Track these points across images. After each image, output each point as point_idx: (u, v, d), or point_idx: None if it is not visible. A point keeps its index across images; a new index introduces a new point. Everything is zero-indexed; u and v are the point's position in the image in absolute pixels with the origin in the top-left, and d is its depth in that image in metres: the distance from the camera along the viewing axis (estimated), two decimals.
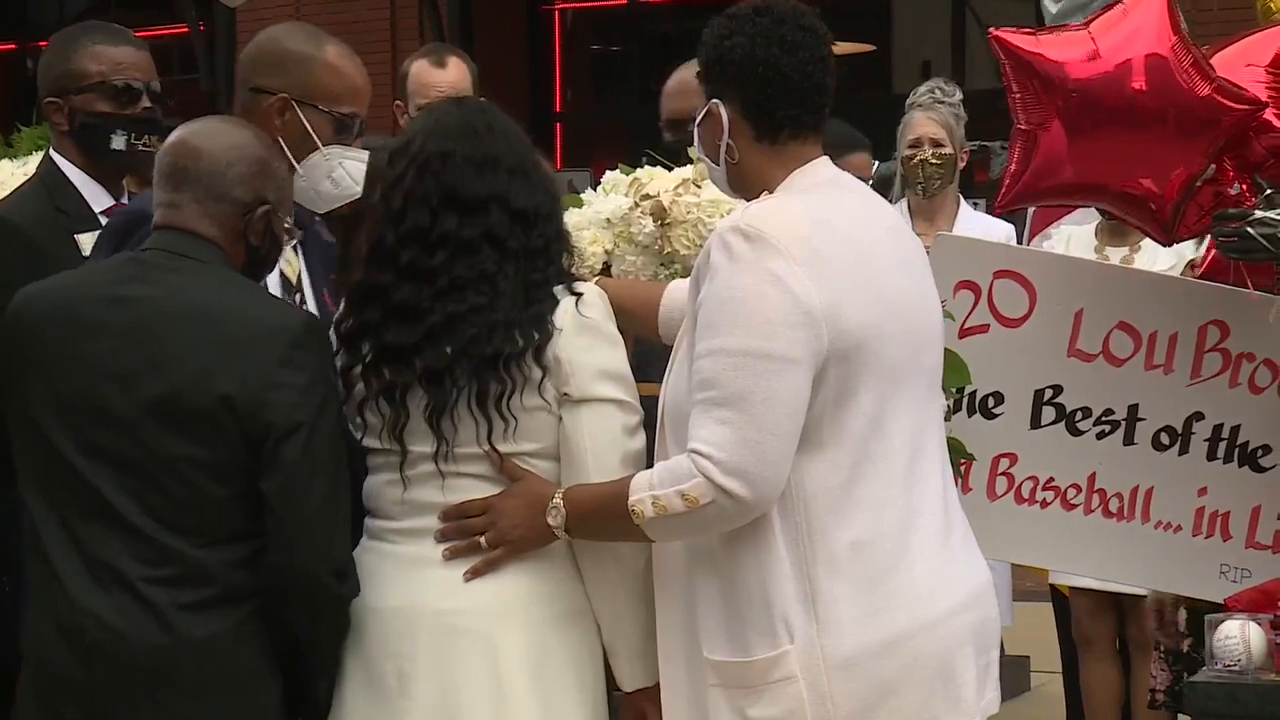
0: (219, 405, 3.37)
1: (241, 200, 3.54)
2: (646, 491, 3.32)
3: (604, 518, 3.41)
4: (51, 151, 4.56)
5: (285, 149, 3.84)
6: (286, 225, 3.64)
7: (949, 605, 3.37)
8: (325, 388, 3.46)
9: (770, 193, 3.45)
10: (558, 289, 3.52)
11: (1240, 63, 4.36)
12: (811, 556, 3.31)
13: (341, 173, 3.93)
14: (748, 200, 3.50)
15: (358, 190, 3.95)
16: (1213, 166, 4.30)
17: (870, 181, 5.71)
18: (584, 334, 3.49)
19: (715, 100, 3.48)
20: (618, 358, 3.54)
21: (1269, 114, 4.27)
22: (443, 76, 5.80)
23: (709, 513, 3.28)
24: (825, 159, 3.51)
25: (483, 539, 3.47)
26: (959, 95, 7.00)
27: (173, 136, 3.62)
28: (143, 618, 3.38)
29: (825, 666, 3.29)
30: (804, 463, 3.30)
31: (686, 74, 4.65)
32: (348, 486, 3.48)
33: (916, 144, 6.77)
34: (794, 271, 3.28)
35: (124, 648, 3.38)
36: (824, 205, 3.41)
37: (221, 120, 3.73)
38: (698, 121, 3.53)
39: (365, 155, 3.97)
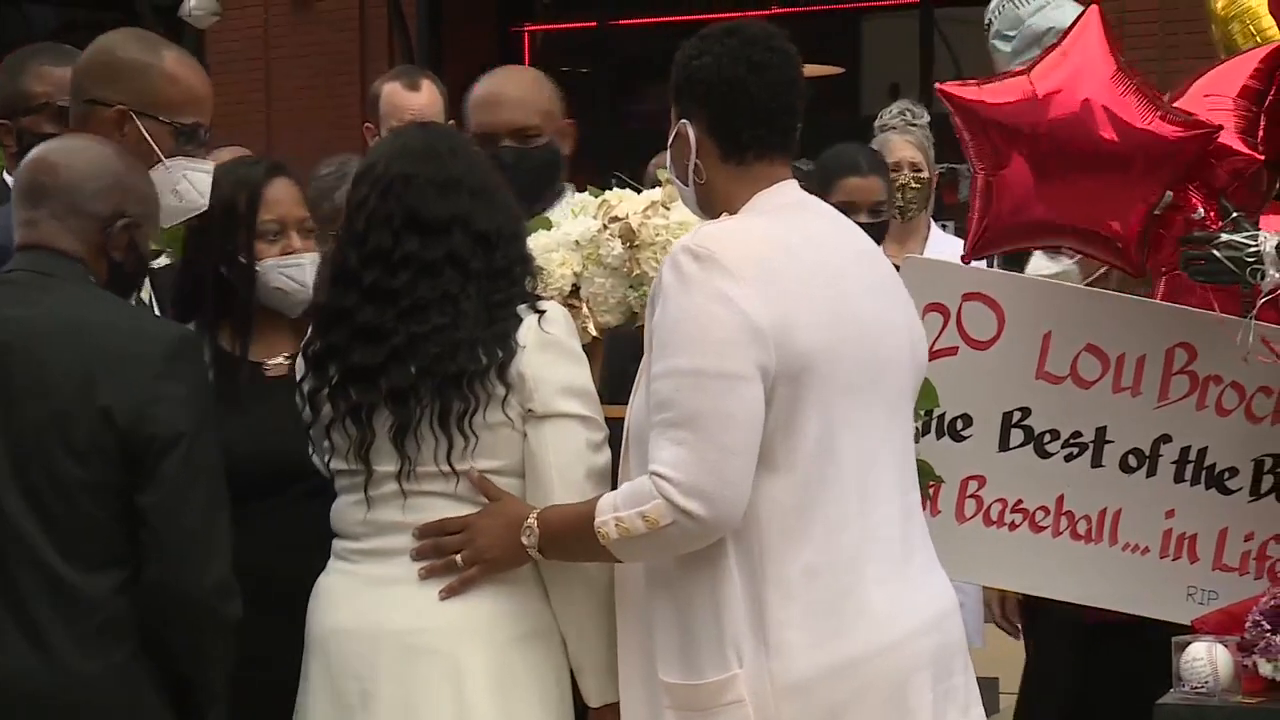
0: (99, 419, 3.31)
1: (100, 214, 3.48)
2: (610, 513, 3.32)
3: (574, 539, 3.40)
4: (5, 174, 4.54)
5: None
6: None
7: (904, 630, 3.36)
8: (204, 401, 3.42)
9: (733, 214, 3.46)
10: (521, 308, 3.53)
11: (1199, 94, 4.39)
12: (763, 580, 3.30)
13: (186, 185, 3.82)
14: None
15: (203, 203, 3.87)
16: (1170, 194, 4.31)
17: (873, 203, 5.70)
18: (547, 350, 3.51)
19: (684, 120, 3.48)
20: (581, 374, 3.55)
21: (1231, 138, 4.29)
22: (415, 100, 5.78)
23: (671, 534, 3.27)
24: (792, 182, 3.51)
25: (459, 557, 3.47)
26: (927, 117, 7.01)
27: (30, 154, 3.56)
28: (29, 650, 3.30)
29: (773, 691, 3.28)
30: (757, 485, 3.30)
31: (493, 83, 4.53)
32: (226, 504, 3.43)
33: (896, 167, 6.74)
34: (742, 291, 3.28)
35: (8, 684, 3.29)
36: (784, 227, 3.41)
37: (81, 136, 3.66)
38: (669, 142, 3.54)
39: (210, 166, 3.90)
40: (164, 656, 3.38)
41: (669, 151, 3.55)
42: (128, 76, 3.81)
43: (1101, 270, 4.98)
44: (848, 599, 3.32)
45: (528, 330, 3.51)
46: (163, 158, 3.78)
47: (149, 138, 3.77)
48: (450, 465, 3.47)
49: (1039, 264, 5.22)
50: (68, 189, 3.46)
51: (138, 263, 3.56)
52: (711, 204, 3.51)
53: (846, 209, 5.30)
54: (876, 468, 3.40)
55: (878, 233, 5.47)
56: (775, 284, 3.31)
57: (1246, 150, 4.29)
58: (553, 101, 4.42)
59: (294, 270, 3.98)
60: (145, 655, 3.35)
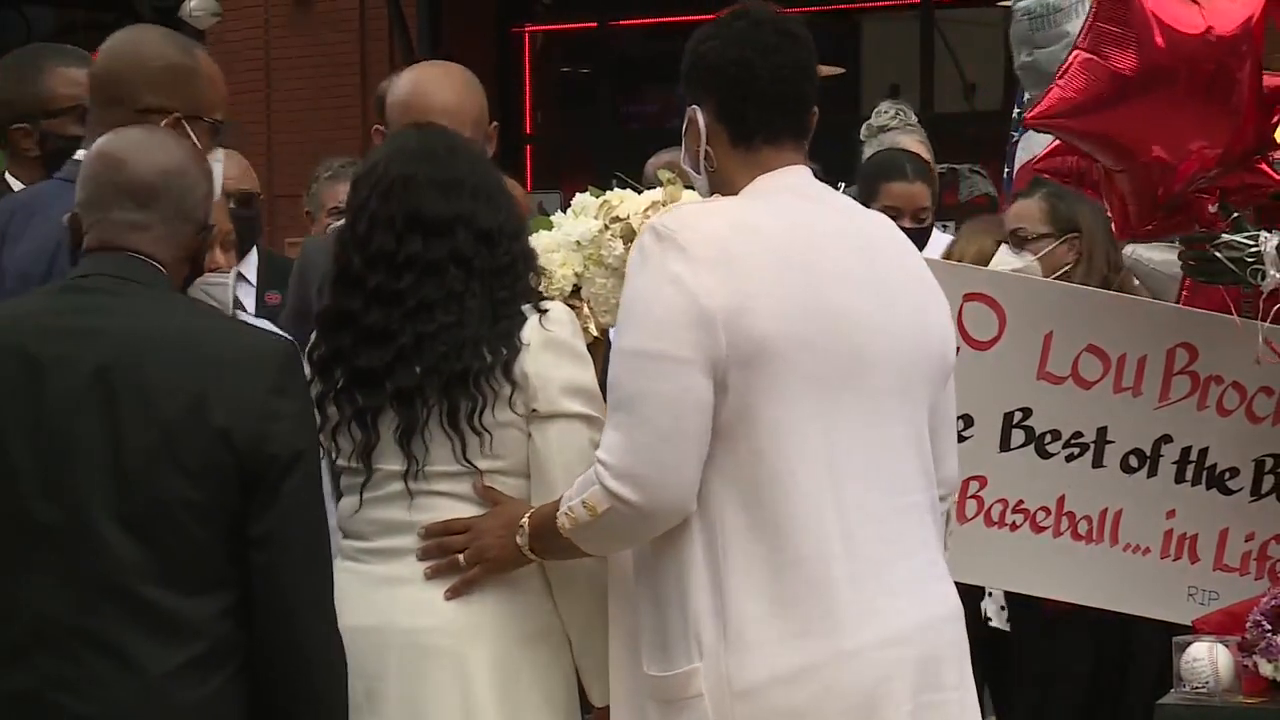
0: (215, 439, 3.11)
1: (199, 221, 3.32)
2: (565, 504, 3.32)
3: (551, 534, 3.38)
4: (7, 175, 4.52)
5: None
6: None
7: (874, 637, 3.24)
8: (313, 415, 3.32)
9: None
10: (525, 307, 3.53)
11: None
12: (727, 573, 3.23)
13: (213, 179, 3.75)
14: None
15: (219, 194, 3.75)
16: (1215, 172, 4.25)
17: (917, 209, 5.68)
18: (551, 350, 3.51)
19: (694, 106, 3.43)
20: (585, 374, 3.55)
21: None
22: None
23: (609, 520, 3.25)
24: (798, 167, 3.42)
25: (461, 557, 3.47)
26: (914, 118, 7.04)
27: (109, 148, 3.30)
28: (124, 680, 3.08)
29: (730, 689, 3.22)
30: (720, 475, 3.23)
31: (423, 87, 4.20)
32: (328, 524, 3.29)
33: None
34: (695, 272, 3.22)
35: (102, 716, 3.07)
36: (766, 211, 3.33)
37: (153, 131, 3.48)
38: (683, 130, 3.48)
39: (223, 155, 3.86)
40: (272, 686, 3.19)
41: (683, 140, 3.49)
42: (181, 83, 3.77)
43: (1066, 267, 5.00)
44: (811, 600, 3.23)
45: (531, 329, 3.51)
46: (205, 159, 3.72)
47: (196, 141, 3.73)
48: (468, 462, 3.47)
49: (1003, 258, 5.19)
50: (180, 193, 3.27)
51: (199, 268, 3.42)
52: (723, 192, 3.44)
53: (890, 214, 5.30)
54: (857, 466, 3.29)
55: (921, 238, 5.44)
56: (734, 267, 3.23)
57: (1267, 169, 4.26)
58: (483, 107, 4.25)
59: (217, 289, 3.92)
60: (245, 684, 3.16)
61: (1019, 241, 5.10)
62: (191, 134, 3.73)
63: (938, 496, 3.46)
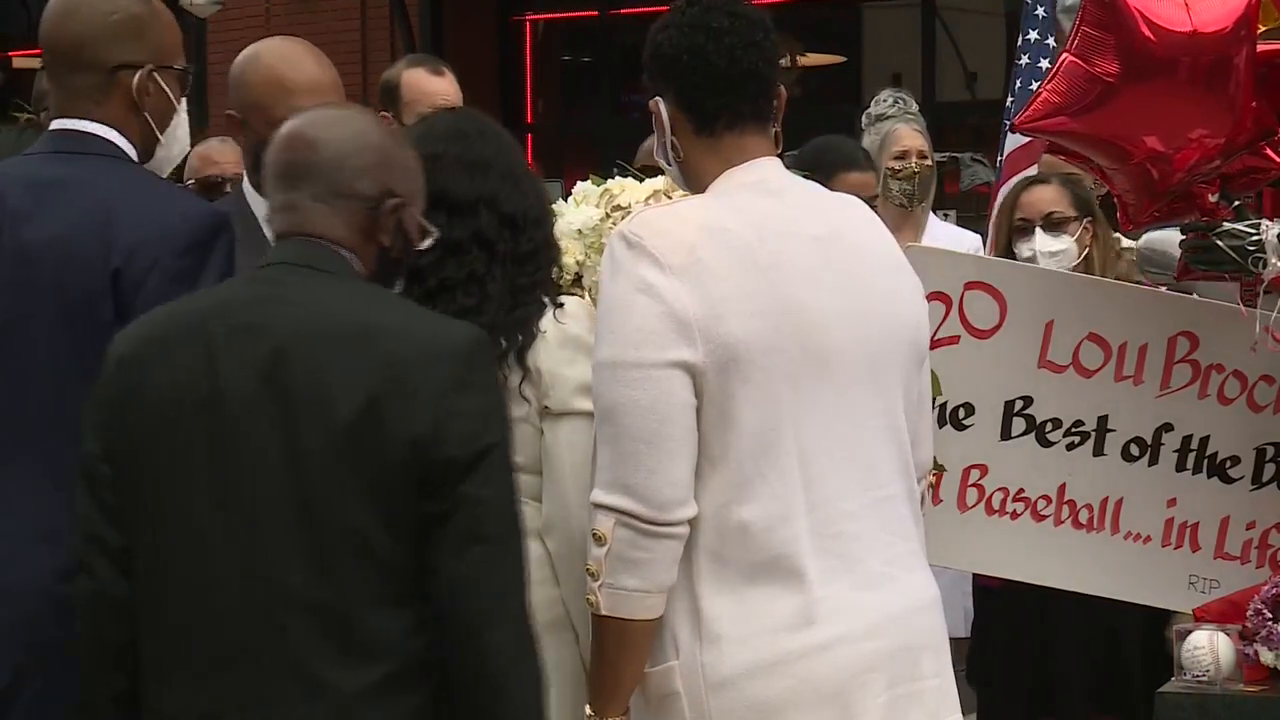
0: (391, 441, 2.88)
1: (367, 194, 3.04)
2: (589, 583, 3.26)
3: (595, 656, 3.33)
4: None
5: (151, 123, 3.59)
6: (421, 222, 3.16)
7: (847, 631, 3.25)
8: (501, 410, 3.04)
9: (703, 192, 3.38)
10: (544, 299, 3.52)
11: None
12: (699, 572, 3.23)
13: (183, 130, 3.68)
14: None
15: (188, 144, 3.73)
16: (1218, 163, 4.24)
17: (871, 198, 5.67)
18: (566, 346, 3.50)
19: (656, 98, 3.41)
20: None
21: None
22: (441, 85, 5.72)
23: (622, 543, 3.20)
24: (763, 160, 3.39)
25: None
26: (915, 106, 7.04)
27: (284, 130, 3.09)
28: (306, 704, 2.90)
29: (705, 685, 3.22)
30: (696, 477, 3.22)
31: (304, 65, 4.12)
32: (522, 516, 3.03)
33: (904, 155, 6.74)
34: (667, 280, 3.20)
35: None
36: (730, 210, 3.31)
37: (337, 107, 3.31)
38: (653, 123, 3.46)
39: (184, 105, 3.72)
40: (462, 703, 2.97)
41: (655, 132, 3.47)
42: (145, 31, 3.59)
43: (1087, 249, 5.00)
44: (783, 598, 3.23)
45: (547, 322, 3.49)
46: (178, 108, 3.64)
47: (168, 91, 3.62)
48: None
49: (1043, 242, 5.14)
50: (331, 166, 3.03)
51: (404, 248, 3.12)
52: (691, 182, 3.42)
53: None
54: (829, 463, 3.28)
55: None
56: (705, 272, 3.22)
57: (1271, 154, 4.25)
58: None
59: None
60: (438, 707, 2.96)
61: (1054, 225, 5.05)
62: (163, 85, 3.60)
63: (916, 483, 3.45)
